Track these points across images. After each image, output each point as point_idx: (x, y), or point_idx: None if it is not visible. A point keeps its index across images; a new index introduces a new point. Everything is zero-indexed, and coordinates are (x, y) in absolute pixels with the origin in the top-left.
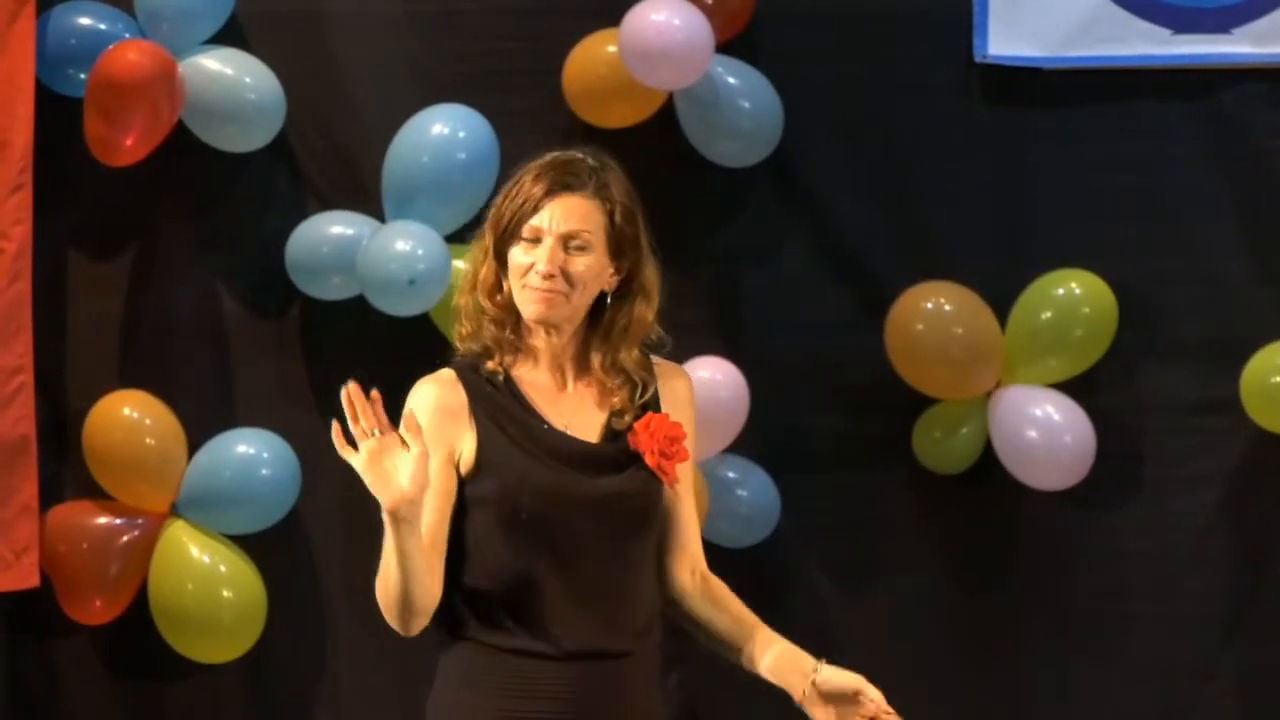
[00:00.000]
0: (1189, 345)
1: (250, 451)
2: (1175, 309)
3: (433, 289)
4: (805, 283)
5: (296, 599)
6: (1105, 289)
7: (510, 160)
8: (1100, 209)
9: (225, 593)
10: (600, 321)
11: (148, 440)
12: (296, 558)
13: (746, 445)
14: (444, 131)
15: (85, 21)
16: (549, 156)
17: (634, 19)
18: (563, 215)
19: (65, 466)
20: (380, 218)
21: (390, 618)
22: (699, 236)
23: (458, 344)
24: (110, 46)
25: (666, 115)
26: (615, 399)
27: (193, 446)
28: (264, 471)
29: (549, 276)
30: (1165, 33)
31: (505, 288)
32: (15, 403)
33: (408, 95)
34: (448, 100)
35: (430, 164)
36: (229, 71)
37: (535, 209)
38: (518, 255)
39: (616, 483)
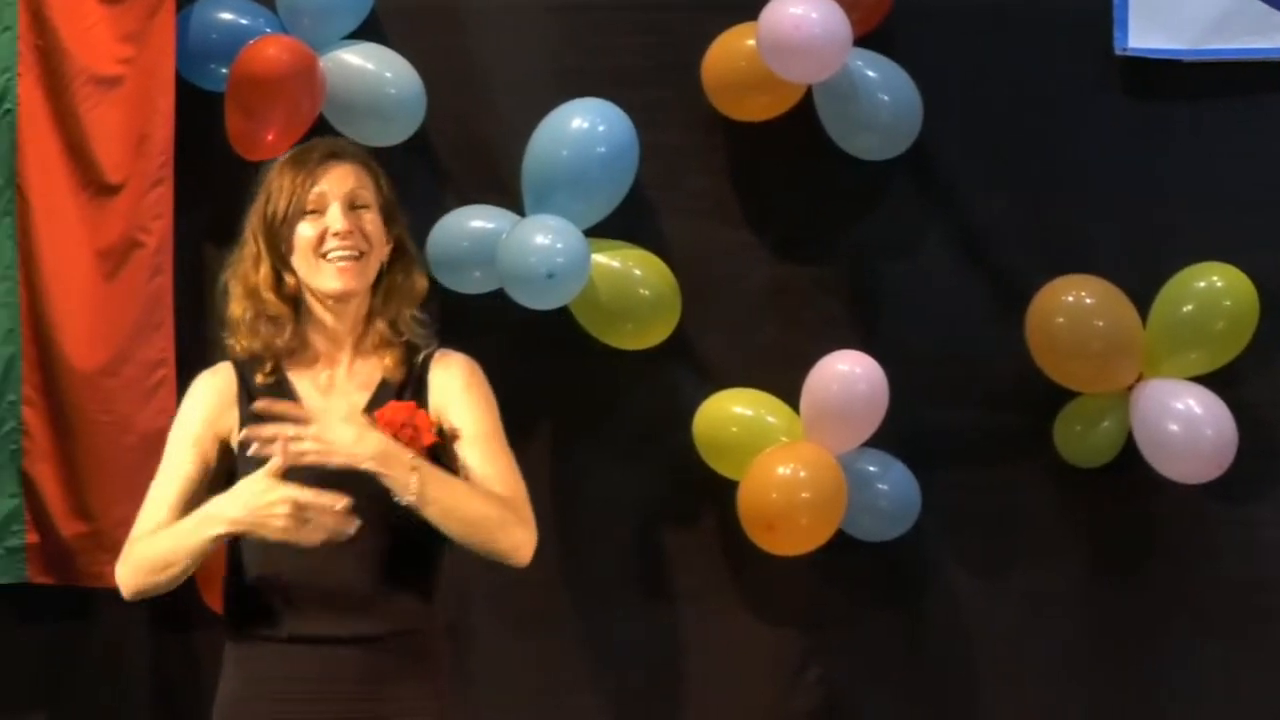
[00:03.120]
0: None
1: None
2: None
3: (571, 282)
4: (944, 276)
5: None
6: (1246, 282)
7: (650, 154)
8: (1241, 201)
9: None
10: (380, 288)
11: None
12: None
13: (886, 439)
14: (583, 125)
15: (226, 16)
16: (293, 149)
17: (772, 12)
18: (339, 178)
19: None
20: (520, 212)
21: (139, 579)
22: (837, 230)
23: (235, 348)
24: (251, 41)
25: (805, 108)
26: (388, 359)
27: None
28: None
29: (348, 233)
30: None
31: (288, 281)
32: (157, 396)
33: (547, 89)
34: (587, 94)
35: (569, 158)
36: (369, 66)
37: (312, 182)
38: (305, 230)
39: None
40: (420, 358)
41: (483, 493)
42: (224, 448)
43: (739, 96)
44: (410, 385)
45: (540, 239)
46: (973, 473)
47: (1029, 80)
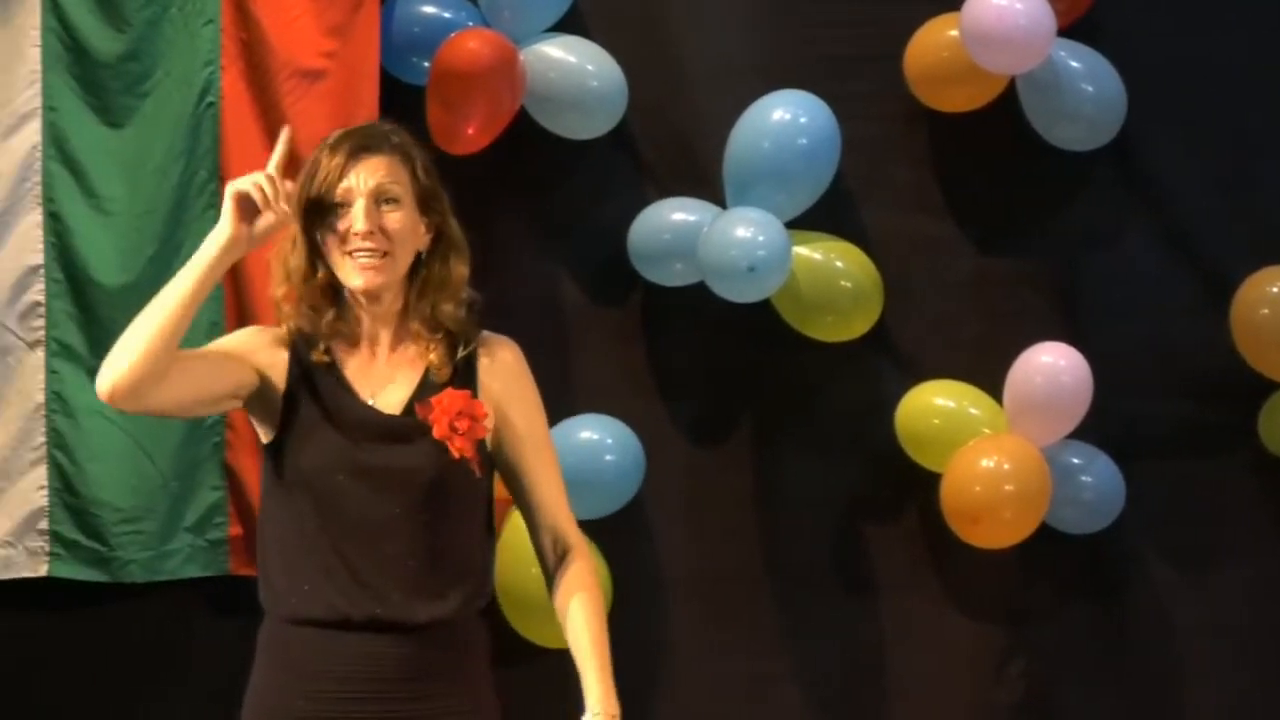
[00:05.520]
0: None
1: (594, 438)
2: None
3: (773, 276)
4: (1148, 267)
5: (639, 586)
6: None
7: (852, 146)
8: None
9: None
10: (417, 279)
11: None
12: (639, 544)
13: (1090, 431)
14: (785, 117)
15: (429, 10)
16: (339, 131)
17: (975, 3)
18: (368, 173)
19: None
20: (721, 204)
21: (115, 355)
22: (1041, 221)
23: (288, 325)
24: (452, 34)
25: (1008, 99)
26: (432, 355)
27: None
28: (608, 457)
29: (369, 234)
30: None
31: (320, 270)
32: None
33: (748, 81)
34: (788, 86)
35: (771, 150)
36: (571, 59)
37: (341, 175)
38: (333, 225)
39: (402, 453)
40: (467, 347)
41: (598, 625)
42: (265, 382)
43: (941, 87)
44: (458, 376)
45: (741, 232)
46: (1177, 465)
47: (1234, 70)
